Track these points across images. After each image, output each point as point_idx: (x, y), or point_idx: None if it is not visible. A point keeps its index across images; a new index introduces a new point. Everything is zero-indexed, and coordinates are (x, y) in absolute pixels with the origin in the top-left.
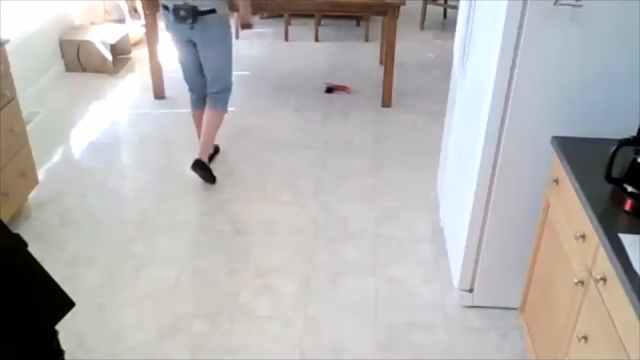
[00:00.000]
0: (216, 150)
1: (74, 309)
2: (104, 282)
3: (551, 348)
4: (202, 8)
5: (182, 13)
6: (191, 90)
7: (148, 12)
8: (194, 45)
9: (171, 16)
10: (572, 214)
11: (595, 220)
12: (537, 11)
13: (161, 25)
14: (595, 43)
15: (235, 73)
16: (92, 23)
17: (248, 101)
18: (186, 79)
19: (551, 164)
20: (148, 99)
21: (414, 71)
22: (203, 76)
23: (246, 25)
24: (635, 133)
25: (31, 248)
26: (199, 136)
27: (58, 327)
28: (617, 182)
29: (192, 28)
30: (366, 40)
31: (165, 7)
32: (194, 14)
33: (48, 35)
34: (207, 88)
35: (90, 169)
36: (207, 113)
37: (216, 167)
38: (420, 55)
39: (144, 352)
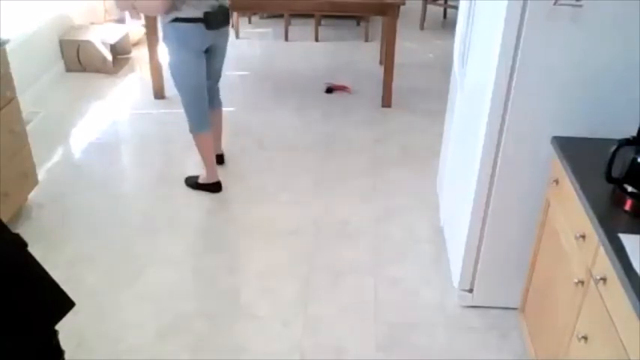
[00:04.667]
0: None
1: (74, 309)
2: (104, 282)
3: (551, 348)
4: (226, 5)
5: (220, 17)
6: (205, 106)
7: None
8: (206, 51)
9: (201, 25)
10: (572, 214)
11: (595, 220)
12: (537, 11)
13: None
14: (595, 43)
15: (235, 73)
16: (92, 23)
17: (248, 101)
18: (202, 95)
19: (551, 164)
20: (148, 99)
21: (414, 71)
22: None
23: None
24: (635, 133)
25: (31, 248)
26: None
27: (58, 327)
28: (617, 182)
29: (219, 31)
30: (366, 40)
31: (190, 20)
32: (228, 15)
33: (48, 35)
34: (210, 91)
35: (90, 169)
36: (217, 112)
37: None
38: (420, 55)
39: (144, 352)
